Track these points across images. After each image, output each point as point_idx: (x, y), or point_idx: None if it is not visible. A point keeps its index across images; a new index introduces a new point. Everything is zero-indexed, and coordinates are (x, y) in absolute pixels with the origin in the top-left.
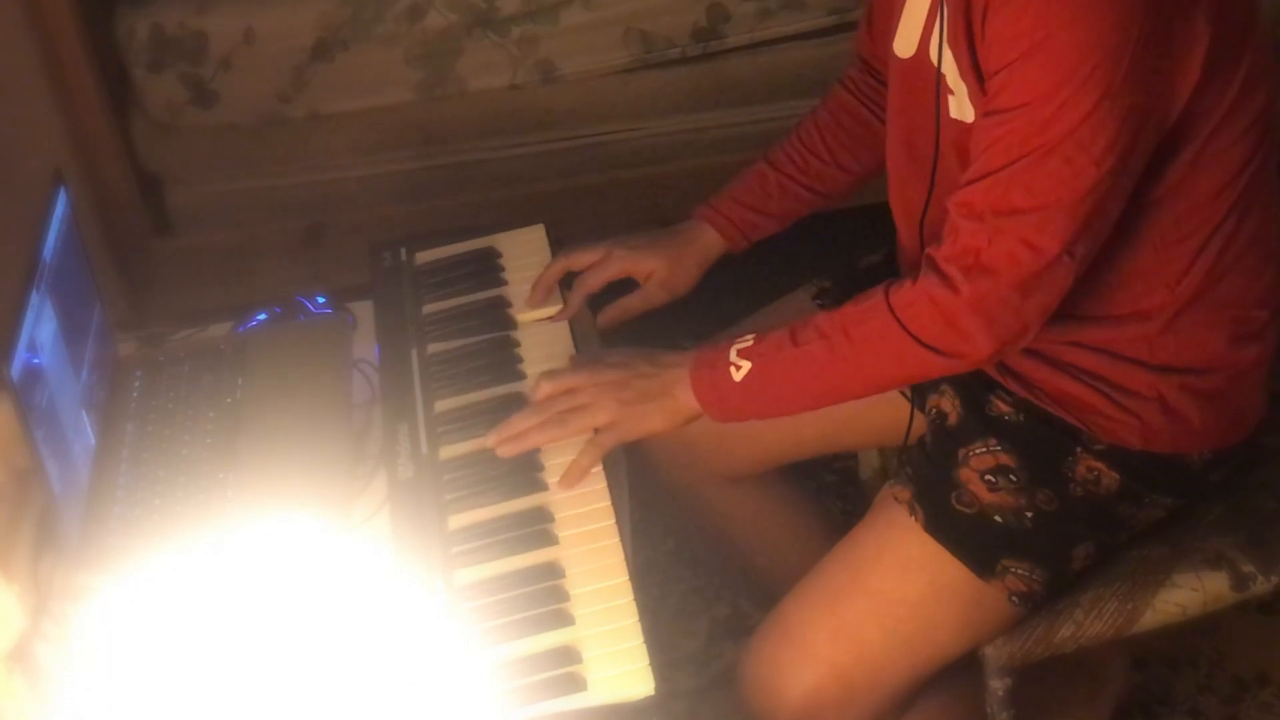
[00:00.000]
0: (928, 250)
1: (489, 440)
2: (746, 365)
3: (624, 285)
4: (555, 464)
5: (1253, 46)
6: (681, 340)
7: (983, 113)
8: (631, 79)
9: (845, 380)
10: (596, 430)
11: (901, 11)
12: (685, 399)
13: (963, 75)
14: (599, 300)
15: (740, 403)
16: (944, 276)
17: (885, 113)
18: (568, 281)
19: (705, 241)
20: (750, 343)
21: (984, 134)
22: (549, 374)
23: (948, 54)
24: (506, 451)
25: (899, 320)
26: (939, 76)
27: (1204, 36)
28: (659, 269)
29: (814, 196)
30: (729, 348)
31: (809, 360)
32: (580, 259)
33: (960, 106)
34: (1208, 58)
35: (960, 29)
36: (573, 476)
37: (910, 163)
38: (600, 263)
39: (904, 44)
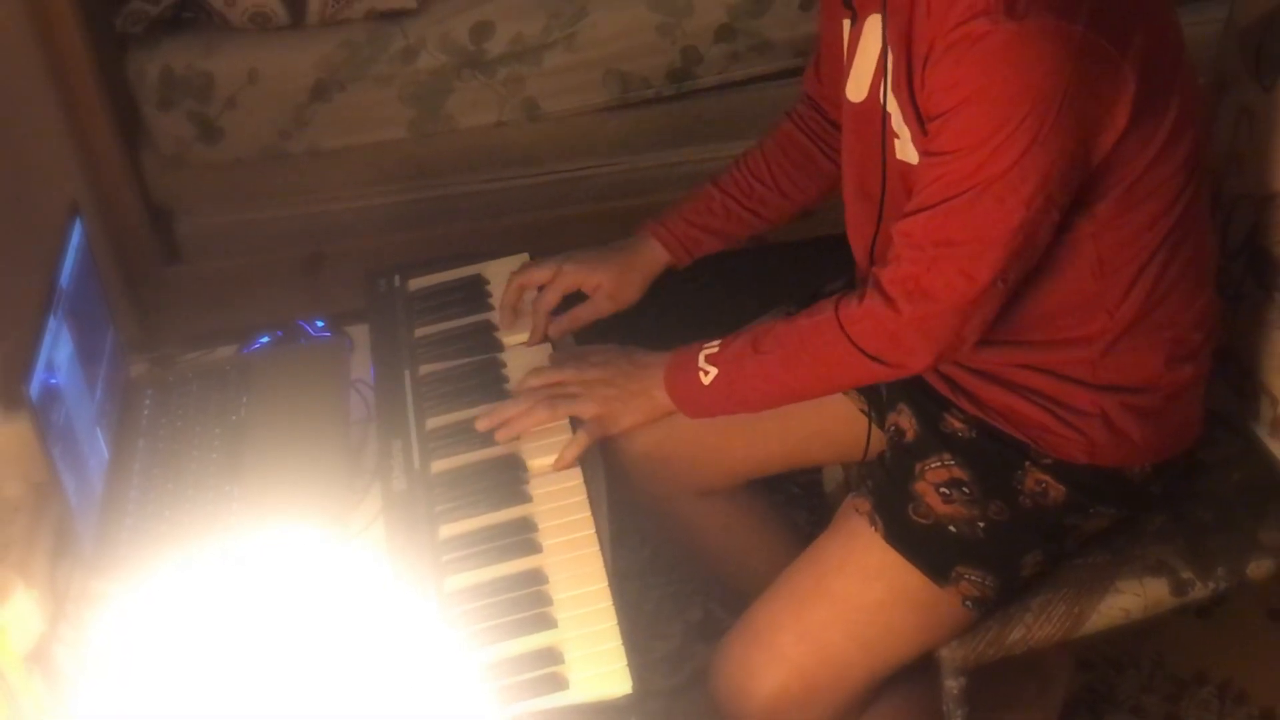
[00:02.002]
0: (874, 270)
1: (479, 423)
2: (714, 370)
3: (576, 296)
4: (540, 477)
5: (1180, 92)
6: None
7: (923, 152)
8: (610, 117)
9: (800, 385)
10: (581, 422)
11: (853, 59)
12: (661, 398)
13: (906, 120)
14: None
15: (709, 403)
16: (888, 298)
17: (826, 146)
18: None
19: (651, 255)
20: (716, 349)
21: (925, 171)
22: (537, 370)
23: (893, 100)
24: (501, 435)
25: (848, 336)
26: (884, 120)
27: (1130, 85)
28: (606, 281)
29: (755, 219)
30: (698, 353)
31: (768, 368)
32: (534, 277)
33: (905, 149)
34: (1135, 104)
35: (903, 77)
36: (565, 460)
37: (861, 198)
38: (553, 280)
39: (855, 89)
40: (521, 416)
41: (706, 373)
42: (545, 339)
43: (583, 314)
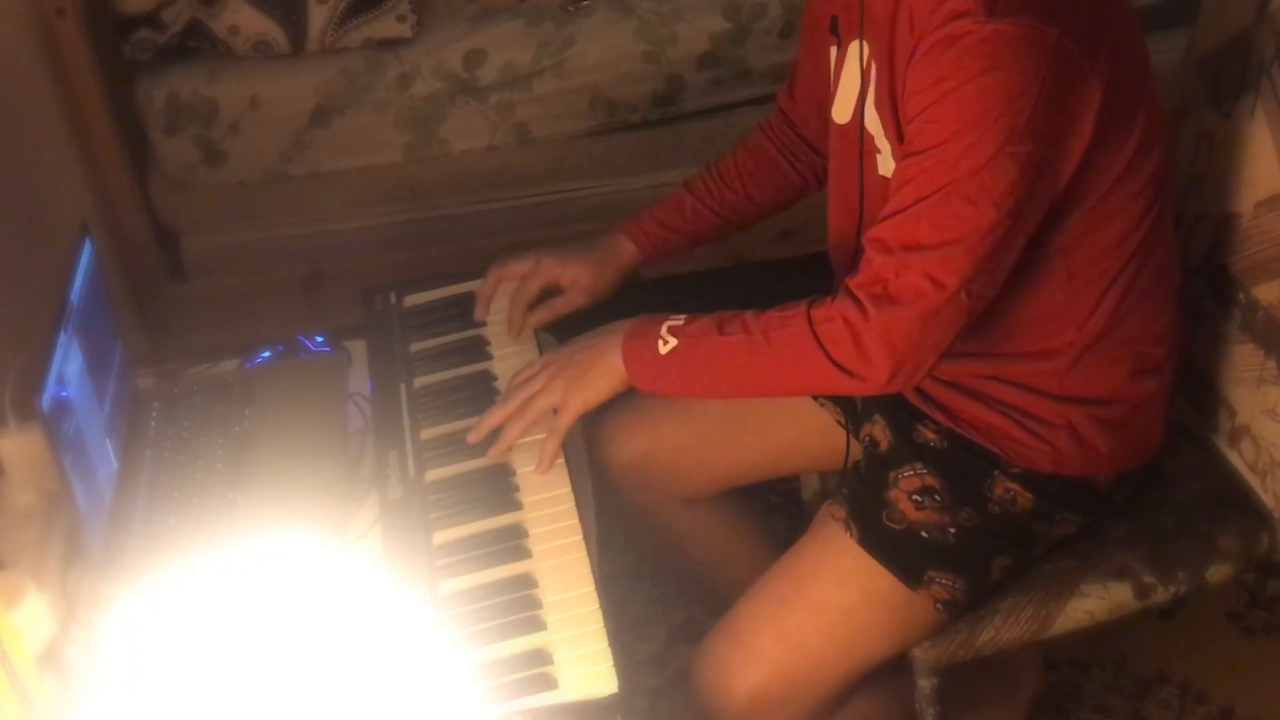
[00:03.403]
0: (844, 278)
1: (470, 437)
2: (674, 342)
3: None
4: (530, 485)
5: (1146, 111)
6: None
7: (900, 156)
8: (598, 141)
9: (757, 377)
10: (555, 412)
11: (838, 82)
12: (616, 363)
13: (887, 135)
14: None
15: (661, 374)
16: (856, 301)
17: (793, 158)
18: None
19: (623, 252)
20: (681, 322)
21: (900, 174)
22: (514, 379)
23: (875, 116)
24: (492, 453)
25: (815, 332)
26: (861, 136)
27: (1097, 97)
28: (581, 276)
29: (722, 223)
30: (662, 323)
31: (729, 350)
32: (511, 270)
33: (886, 164)
34: (1101, 117)
35: (885, 91)
36: (544, 463)
37: (845, 214)
38: (531, 273)
39: (841, 111)
40: (507, 432)
41: (666, 342)
42: (533, 332)
43: (559, 306)
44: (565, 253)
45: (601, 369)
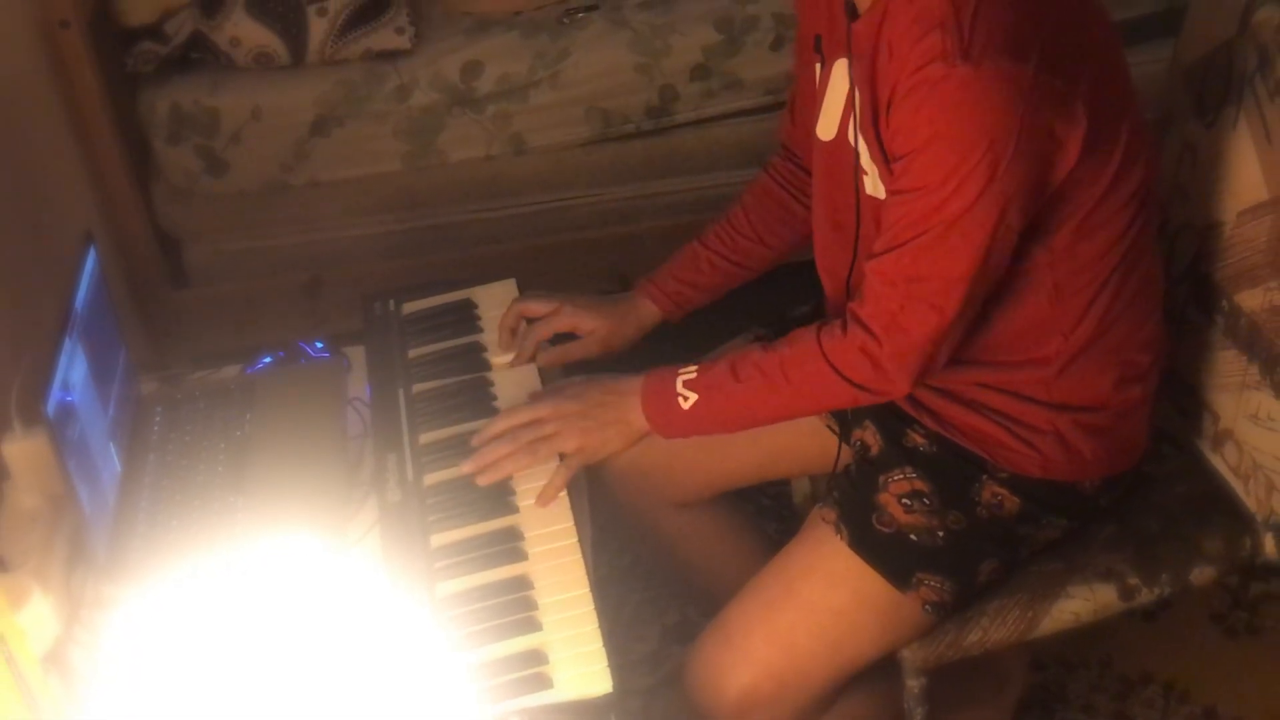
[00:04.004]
0: (851, 306)
1: (465, 468)
2: (693, 396)
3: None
4: (526, 489)
5: (1129, 128)
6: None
7: (890, 191)
8: (592, 151)
9: (780, 409)
10: (563, 455)
11: (823, 99)
12: (639, 423)
13: (873, 158)
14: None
15: (689, 427)
16: (869, 331)
17: (801, 195)
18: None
19: (644, 311)
20: (694, 375)
21: (892, 209)
22: (513, 410)
23: (860, 138)
24: (483, 480)
25: (833, 366)
26: (855, 155)
27: (1082, 120)
28: (599, 329)
29: (740, 271)
30: (675, 379)
31: (750, 394)
32: (534, 308)
33: (874, 184)
34: (1086, 138)
35: (868, 118)
36: (547, 496)
37: (835, 232)
38: (551, 315)
39: (825, 128)
40: (504, 461)
41: (685, 398)
42: (531, 360)
43: (574, 351)
44: (588, 304)
45: (622, 427)
